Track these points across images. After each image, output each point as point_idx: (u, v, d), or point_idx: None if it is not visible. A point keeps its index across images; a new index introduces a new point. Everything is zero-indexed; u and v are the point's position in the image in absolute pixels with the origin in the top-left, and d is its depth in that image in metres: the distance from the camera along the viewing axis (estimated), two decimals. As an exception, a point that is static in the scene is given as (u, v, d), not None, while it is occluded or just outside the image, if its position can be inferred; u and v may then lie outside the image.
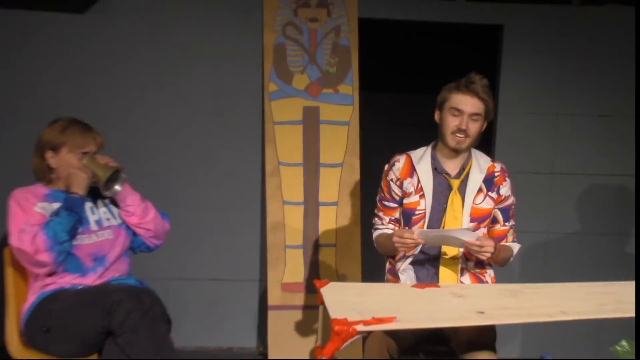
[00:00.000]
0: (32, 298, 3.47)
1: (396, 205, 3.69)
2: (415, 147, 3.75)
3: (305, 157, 5.10)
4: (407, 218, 3.62)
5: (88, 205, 3.58)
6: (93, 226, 3.57)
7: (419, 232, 3.41)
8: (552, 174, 5.20)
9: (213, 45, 5.09)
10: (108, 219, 3.65)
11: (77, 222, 3.40)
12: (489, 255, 3.41)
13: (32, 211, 3.39)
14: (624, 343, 2.61)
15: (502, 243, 3.66)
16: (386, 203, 3.72)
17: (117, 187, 3.56)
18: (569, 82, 5.17)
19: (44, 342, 3.37)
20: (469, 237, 3.37)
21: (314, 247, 5.07)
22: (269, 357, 4.95)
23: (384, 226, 3.74)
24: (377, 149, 5.52)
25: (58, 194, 3.50)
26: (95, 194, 3.61)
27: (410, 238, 3.36)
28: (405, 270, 3.62)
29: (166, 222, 3.81)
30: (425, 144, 3.75)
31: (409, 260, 3.61)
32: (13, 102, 4.99)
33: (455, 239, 3.42)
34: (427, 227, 3.57)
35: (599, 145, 5.21)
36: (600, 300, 3.14)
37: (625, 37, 5.14)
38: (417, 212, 3.58)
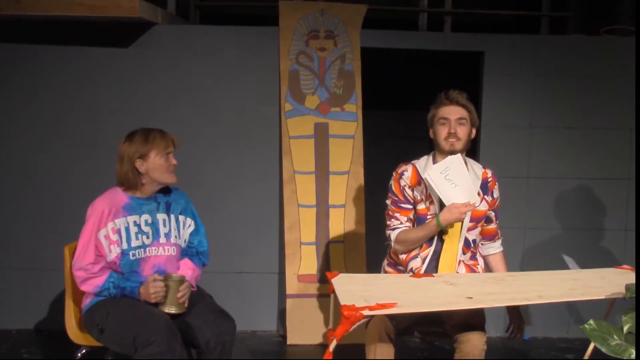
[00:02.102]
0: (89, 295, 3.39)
1: (411, 206, 3.60)
2: (410, 156, 3.73)
3: (317, 166, 5.11)
4: (421, 222, 3.56)
5: (161, 217, 3.42)
6: (162, 239, 3.41)
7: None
8: (528, 178, 5.19)
9: (238, 73, 5.11)
10: (176, 236, 3.47)
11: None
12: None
13: (98, 238, 3.25)
14: (591, 322, 2.62)
15: (500, 262, 3.79)
16: (403, 205, 3.60)
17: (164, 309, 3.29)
18: (540, 99, 5.17)
19: (96, 337, 3.32)
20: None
21: (325, 244, 5.08)
22: (288, 339, 4.97)
23: (403, 225, 3.60)
24: (378, 159, 5.55)
25: (137, 203, 3.36)
26: (168, 208, 3.48)
27: (466, 206, 3.41)
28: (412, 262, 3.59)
29: (199, 269, 3.60)
30: (419, 153, 3.75)
31: (425, 264, 3.55)
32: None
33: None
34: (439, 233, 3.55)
35: (567, 153, 5.20)
36: (570, 285, 3.16)
37: (586, 60, 5.17)
38: (428, 216, 3.54)
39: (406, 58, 5.77)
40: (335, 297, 2.99)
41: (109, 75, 5.06)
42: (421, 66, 6.03)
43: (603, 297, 2.95)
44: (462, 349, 3.33)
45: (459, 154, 3.50)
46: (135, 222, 3.34)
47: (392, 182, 3.66)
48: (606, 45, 5.20)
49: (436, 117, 3.55)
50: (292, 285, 5.02)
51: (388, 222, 3.65)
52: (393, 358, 3.40)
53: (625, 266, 3.54)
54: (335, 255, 5.08)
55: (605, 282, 3.18)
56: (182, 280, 3.26)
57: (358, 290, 3.00)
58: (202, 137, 5.11)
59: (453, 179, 3.39)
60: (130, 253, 3.32)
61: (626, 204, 5.20)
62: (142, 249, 3.35)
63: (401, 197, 3.61)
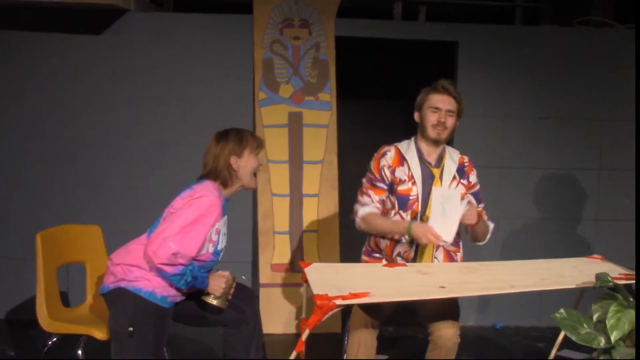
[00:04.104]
0: (140, 284, 3.23)
1: (386, 187, 3.60)
2: (381, 145, 3.72)
3: (291, 155, 5.09)
4: (404, 202, 3.55)
5: (224, 228, 3.44)
6: (221, 245, 3.44)
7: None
8: (500, 168, 5.22)
9: (211, 61, 5.08)
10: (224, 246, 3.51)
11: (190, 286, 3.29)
12: (475, 220, 3.48)
13: (198, 238, 3.19)
14: (562, 311, 2.65)
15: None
16: (378, 184, 3.60)
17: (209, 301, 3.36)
18: (514, 90, 5.19)
19: (117, 335, 3.22)
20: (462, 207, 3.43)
21: (299, 233, 5.07)
22: (263, 328, 4.94)
23: (373, 205, 3.60)
24: (351, 148, 5.56)
25: (224, 204, 3.39)
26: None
27: (435, 237, 3.36)
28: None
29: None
30: (392, 141, 3.74)
31: (414, 247, 3.56)
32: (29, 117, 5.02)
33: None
34: (420, 209, 3.54)
35: (539, 143, 5.24)
36: (542, 275, 3.18)
37: (558, 51, 5.20)
38: (411, 197, 3.54)
39: (381, 48, 5.74)
40: (308, 286, 2.98)
41: (80, 62, 5.01)
42: (396, 56, 6.01)
43: (574, 287, 2.98)
44: (436, 342, 3.35)
45: (467, 200, 3.54)
46: (224, 222, 3.42)
47: (372, 161, 3.66)
48: (580, 36, 5.23)
49: (426, 103, 3.58)
50: (265, 275, 5.01)
51: (359, 198, 3.66)
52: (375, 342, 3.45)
53: (595, 255, 3.58)
54: (309, 245, 5.07)
55: (577, 272, 3.22)
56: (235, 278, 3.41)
57: (331, 280, 2.99)
58: (174, 126, 5.08)
59: (447, 210, 3.42)
60: (221, 254, 3.44)
61: (597, 194, 5.25)
62: (223, 252, 3.48)
63: (377, 176, 3.61)
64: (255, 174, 3.45)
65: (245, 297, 3.56)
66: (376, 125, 6.11)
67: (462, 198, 3.55)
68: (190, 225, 3.17)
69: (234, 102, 5.10)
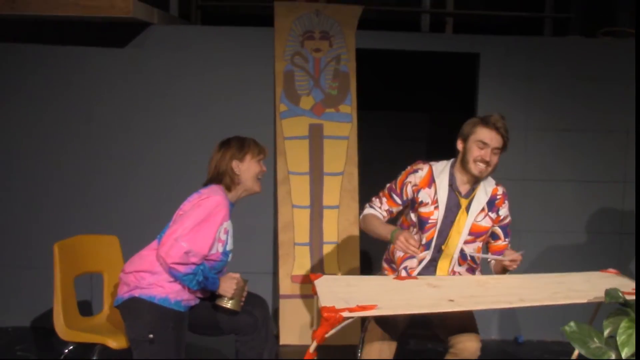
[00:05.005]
0: (155, 291, 3.29)
1: (401, 203, 3.59)
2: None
3: (311, 167, 5.11)
4: (422, 224, 3.52)
5: (231, 230, 3.51)
6: (229, 246, 3.51)
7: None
8: (522, 180, 5.18)
9: (233, 73, 5.13)
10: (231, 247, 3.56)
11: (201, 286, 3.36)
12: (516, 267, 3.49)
13: (208, 236, 3.30)
14: (572, 324, 2.61)
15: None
16: (394, 195, 3.59)
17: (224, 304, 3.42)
18: (536, 102, 5.15)
19: (138, 344, 3.28)
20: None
21: (319, 245, 5.08)
22: (281, 339, 4.97)
23: (380, 210, 3.62)
24: (372, 159, 5.56)
25: (231, 210, 3.46)
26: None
27: (414, 247, 3.29)
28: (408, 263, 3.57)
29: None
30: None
31: (421, 265, 3.55)
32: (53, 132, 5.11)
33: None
34: (436, 236, 3.51)
35: (562, 155, 5.18)
36: (554, 288, 3.14)
37: (583, 62, 5.15)
38: (430, 221, 3.51)
39: (403, 59, 5.74)
40: (318, 298, 2.98)
41: (104, 75, 5.09)
42: (418, 67, 6.01)
43: (585, 302, 2.93)
44: (458, 354, 3.32)
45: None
46: (230, 225, 3.50)
47: (402, 172, 3.63)
48: (603, 47, 5.18)
49: (474, 136, 3.46)
50: (285, 286, 5.02)
51: (373, 199, 3.69)
52: (390, 357, 3.43)
53: (610, 270, 3.52)
54: (329, 256, 5.07)
55: (589, 286, 3.17)
56: (246, 282, 3.47)
57: (340, 292, 2.99)
58: (196, 138, 5.12)
59: None
60: (230, 255, 3.51)
61: (622, 207, 5.17)
62: (232, 253, 3.55)
63: (398, 190, 3.59)
64: (258, 179, 3.52)
65: (256, 304, 3.61)
66: (399, 137, 6.10)
67: (478, 250, 3.56)
68: (200, 225, 3.27)
69: (255, 114, 5.13)
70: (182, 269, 3.23)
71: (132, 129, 5.12)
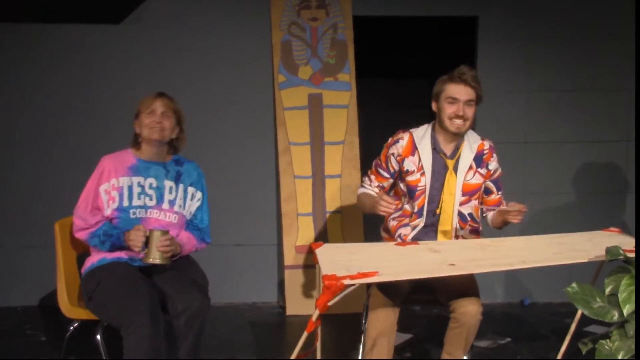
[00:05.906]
0: (94, 259, 3.44)
1: (389, 175, 3.60)
2: (403, 125, 3.67)
3: (312, 137, 5.09)
4: (412, 193, 3.53)
5: (169, 184, 3.51)
6: (165, 205, 3.48)
7: None
8: (525, 143, 5.15)
9: (230, 45, 5.10)
10: (180, 206, 3.52)
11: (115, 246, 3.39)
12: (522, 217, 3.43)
13: (98, 191, 3.41)
14: (574, 285, 2.60)
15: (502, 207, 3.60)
16: (380, 170, 3.61)
17: (150, 260, 3.31)
18: (535, 63, 5.11)
19: (88, 305, 3.38)
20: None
21: (322, 214, 5.08)
22: (287, 310, 5.00)
23: (370, 188, 3.67)
24: (373, 127, 5.53)
25: (144, 166, 3.49)
26: (178, 178, 3.55)
27: (390, 202, 3.30)
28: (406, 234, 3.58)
29: (202, 245, 3.63)
30: (412, 121, 3.70)
31: (414, 231, 3.56)
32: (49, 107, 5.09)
33: None
34: (427, 202, 3.51)
35: (564, 116, 5.15)
36: (555, 249, 3.13)
37: (580, 21, 5.11)
38: (418, 188, 3.51)
39: (400, 25, 5.69)
40: (319, 267, 2.97)
41: (101, 51, 5.06)
42: (415, 33, 5.95)
43: (587, 260, 2.92)
44: (459, 319, 3.31)
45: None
46: (139, 183, 3.46)
47: (384, 146, 3.63)
48: (604, 5, 5.10)
49: (444, 94, 3.45)
50: (290, 257, 5.04)
51: (364, 178, 3.75)
52: (395, 323, 3.40)
53: (612, 228, 3.50)
54: (333, 226, 5.08)
55: (591, 245, 3.15)
56: (164, 232, 3.32)
57: (341, 260, 2.98)
58: (196, 111, 5.08)
59: None
60: (131, 211, 3.42)
61: (625, 166, 5.15)
62: (143, 209, 3.45)
63: (383, 164, 3.62)
64: (152, 128, 3.50)
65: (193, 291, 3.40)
66: (399, 104, 6.07)
67: (476, 211, 3.54)
68: (84, 190, 3.47)
69: (254, 86, 5.11)
70: (83, 234, 3.42)
71: (129, 106, 5.07)
